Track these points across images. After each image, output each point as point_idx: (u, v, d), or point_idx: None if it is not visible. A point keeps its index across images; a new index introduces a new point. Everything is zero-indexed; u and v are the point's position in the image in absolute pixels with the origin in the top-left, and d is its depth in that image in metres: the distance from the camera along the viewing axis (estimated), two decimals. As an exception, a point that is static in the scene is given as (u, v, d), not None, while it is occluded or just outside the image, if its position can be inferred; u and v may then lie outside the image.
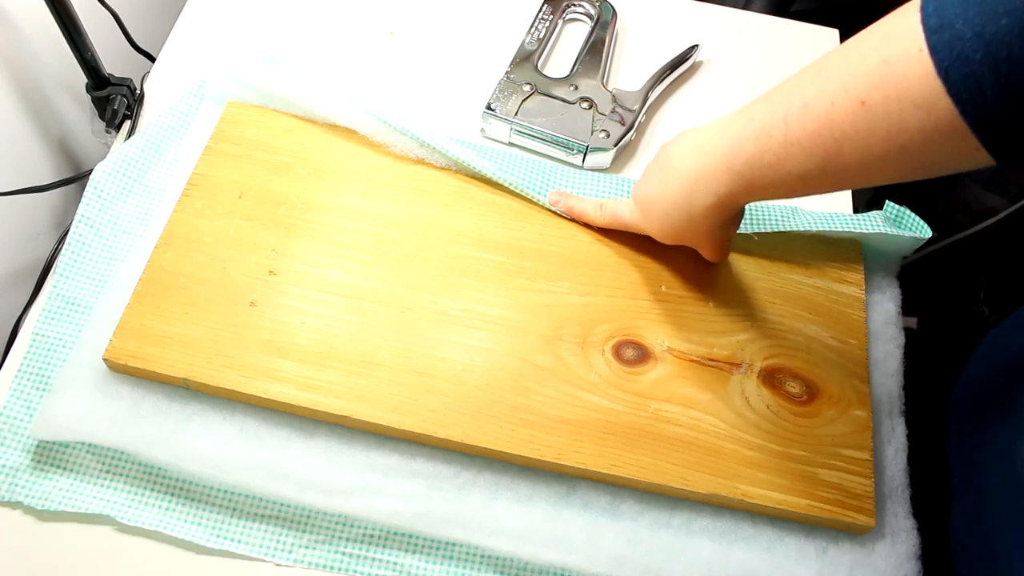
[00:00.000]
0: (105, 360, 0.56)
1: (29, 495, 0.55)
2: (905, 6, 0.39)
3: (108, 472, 0.56)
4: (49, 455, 0.56)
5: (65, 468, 0.56)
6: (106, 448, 0.56)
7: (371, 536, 0.55)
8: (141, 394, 0.57)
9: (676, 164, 0.54)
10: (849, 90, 0.41)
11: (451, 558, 0.55)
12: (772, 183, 0.48)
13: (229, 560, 0.54)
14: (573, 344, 0.59)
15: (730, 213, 0.53)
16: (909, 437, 0.60)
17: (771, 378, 0.59)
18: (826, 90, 0.43)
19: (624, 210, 0.62)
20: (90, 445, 0.56)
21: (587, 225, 0.65)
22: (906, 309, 0.66)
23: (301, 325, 0.58)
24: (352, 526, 0.55)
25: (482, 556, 0.55)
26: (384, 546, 0.55)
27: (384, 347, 0.58)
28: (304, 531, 0.55)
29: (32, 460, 0.56)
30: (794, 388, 0.59)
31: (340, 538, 0.55)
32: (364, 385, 0.57)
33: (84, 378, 0.57)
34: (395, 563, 0.55)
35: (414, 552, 0.55)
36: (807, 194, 0.48)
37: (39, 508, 0.55)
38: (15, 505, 0.55)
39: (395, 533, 0.55)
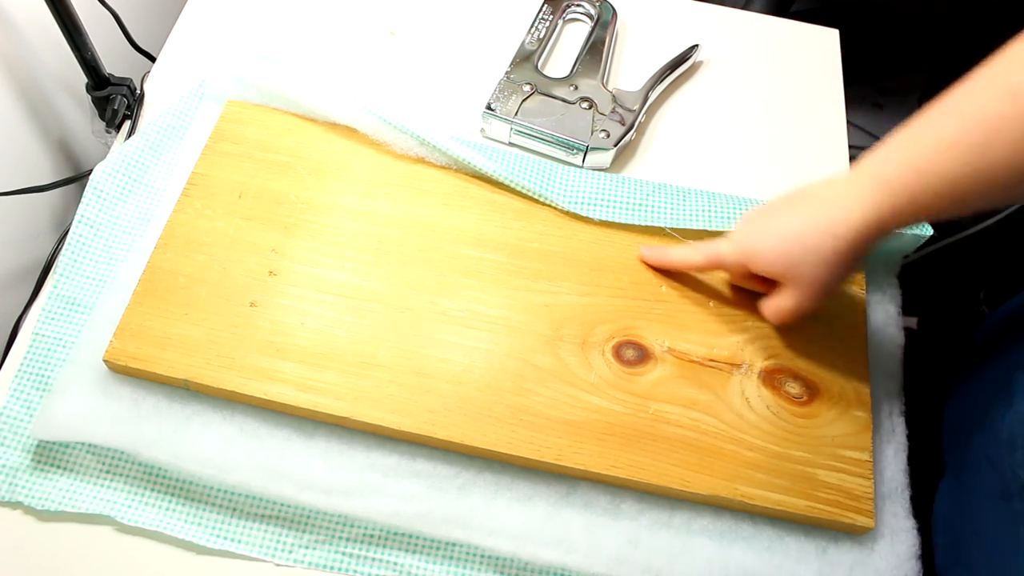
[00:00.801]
0: (105, 361, 0.56)
1: (29, 495, 0.55)
2: None
3: (108, 472, 0.56)
4: (49, 455, 0.56)
5: (65, 468, 0.56)
6: (106, 448, 0.56)
7: (371, 536, 0.55)
8: (141, 394, 0.57)
9: (815, 192, 0.52)
10: (997, 81, 0.43)
11: (451, 558, 0.55)
12: (922, 191, 0.47)
13: (229, 560, 0.55)
14: (573, 344, 0.59)
15: (871, 239, 0.50)
16: (909, 437, 0.60)
17: (771, 379, 0.59)
18: (974, 91, 0.45)
19: (722, 248, 0.58)
20: (90, 445, 0.56)
21: (588, 223, 0.65)
22: (906, 309, 0.66)
23: (301, 326, 0.58)
24: (352, 526, 0.56)
25: (482, 556, 0.55)
26: (384, 546, 0.55)
27: (384, 348, 0.58)
28: (304, 531, 0.55)
29: (32, 460, 0.56)
30: (794, 389, 0.59)
31: (340, 538, 0.55)
32: (364, 386, 0.57)
33: (84, 378, 0.57)
34: (395, 563, 0.55)
35: (414, 552, 0.55)
36: (956, 211, 0.48)
37: (39, 508, 0.55)
38: (15, 505, 0.55)
39: (395, 533, 0.56)
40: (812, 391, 0.59)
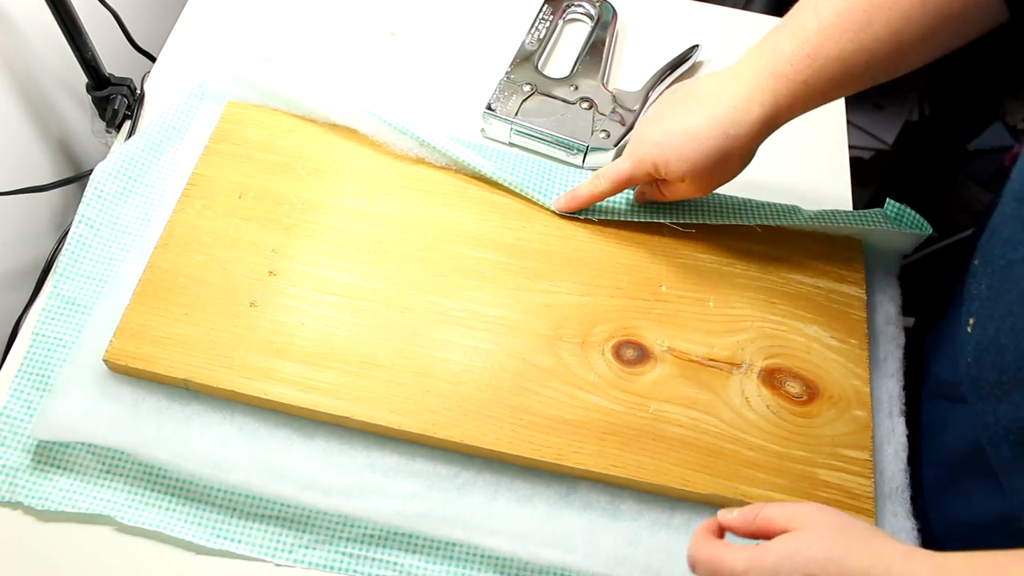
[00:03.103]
0: (105, 361, 0.56)
1: (29, 495, 0.55)
2: None
3: (108, 472, 0.56)
4: (49, 455, 0.56)
5: (65, 468, 0.56)
6: (106, 448, 0.56)
7: (371, 536, 0.55)
8: (141, 394, 0.57)
9: (709, 93, 0.54)
10: None
11: (451, 558, 0.55)
12: (814, 76, 0.51)
13: (229, 560, 0.55)
14: (573, 344, 0.59)
15: (774, 127, 0.54)
16: (909, 437, 0.60)
17: (771, 378, 0.59)
18: None
19: (624, 167, 0.60)
20: (90, 445, 0.56)
21: (587, 223, 0.65)
22: (906, 309, 0.66)
23: (301, 326, 0.59)
24: (352, 526, 0.56)
25: (482, 556, 0.55)
26: (384, 546, 0.55)
27: (384, 348, 0.58)
28: (304, 531, 0.55)
29: (32, 460, 0.56)
30: (794, 388, 0.59)
31: (340, 538, 0.55)
32: (364, 386, 0.57)
33: (84, 378, 0.57)
34: (395, 563, 0.55)
35: (414, 552, 0.55)
36: (844, 92, 0.52)
37: (39, 508, 0.55)
38: (15, 505, 0.55)
39: (395, 533, 0.55)
40: (812, 391, 0.59)
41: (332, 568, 0.55)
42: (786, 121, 0.55)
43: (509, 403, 0.57)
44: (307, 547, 0.55)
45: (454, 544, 0.55)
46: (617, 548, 0.54)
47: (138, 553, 0.54)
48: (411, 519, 0.54)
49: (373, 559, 0.55)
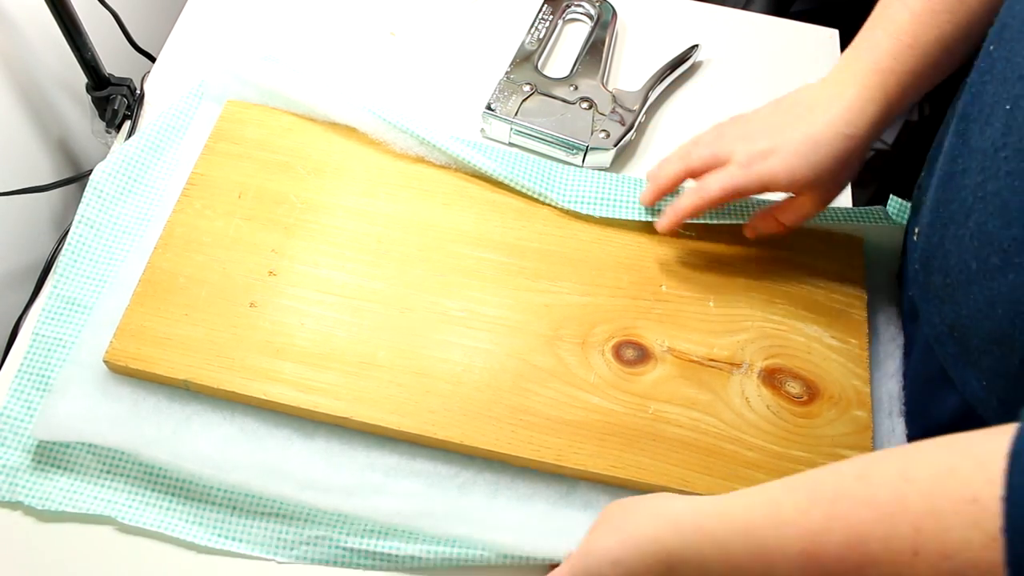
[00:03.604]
0: (105, 362, 0.56)
1: (30, 495, 0.55)
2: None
3: (108, 472, 0.56)
4: (49, 455, 0.56)
5: (65, 468, 0.56)
6: (106, 448, 0.56)
7: (372, 531, 0.55)
8: (141, 394, 0.57)
9: (819, 99, 0.55)
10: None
11: (453, 545, 0.55)
12: (919, 64, 0.53)
13: (230, 559, 0.54)
14: (573, 344, 0.59)
15: (889, 122, 0.54)
16: (909, 437, 0.60)
17: (771, 378, 0.59)
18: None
19: (737, 175, 0.56)
20: (90, 445, 0.56)
21: (588, 223, 0.65)
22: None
23: (301, 326, 0.58)
24: (353, 523, 0.55)
25: (483, 547, 0.55)
26: (385, 539, 0.55)
27: (384, 348, 0.58)
28: (305, 528, 0.55)
29: (32, 460, 0.56)
30: (794, 388, 0.59)
31: (341, 533, 0.55)
32: (364, 386, 0.57)
33: (84, 378, 0.57)
34: (397, 556, 0.54)
35: (415, 543, 0.55)
36: (951, 70, 0.54)
37: (40, 508, 0.55)
38: (15, 505, 0.55)
39: (395, 529, 0.55)
40: (812, 391, 0.59)
41: (334, 563, 0.55)
42: (899, 114, 0.55)
43: (509, 403, 0.57)
44: (308, 543, 0.55)
45: (455, 539, 0.55)
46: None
47: (139, 553, 0.54)
48: (412, 517, 0.54)
49: (374, 552, 0.55)
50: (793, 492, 0.39)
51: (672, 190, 0.61)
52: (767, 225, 0.62)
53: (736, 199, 0.59)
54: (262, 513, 0.55)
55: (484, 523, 0.54)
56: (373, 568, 0.55)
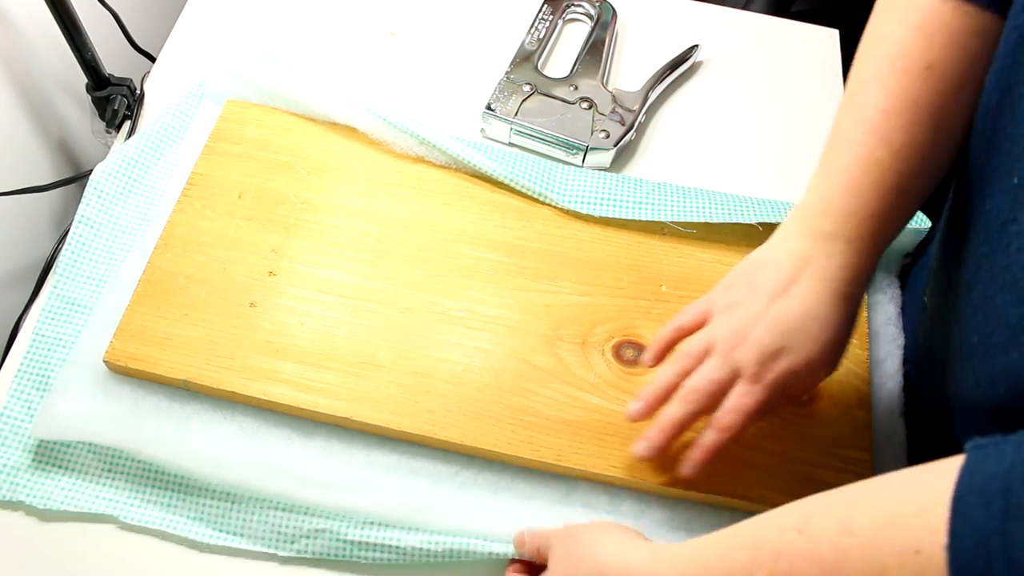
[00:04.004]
0: (106, 362, 0.56)
1: (30, 495, 0.55)
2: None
3: (109, 471, 0.56)
4: (50, 455, 0.56)
5: (66, 468, 0.56)
6: (107, 447, 0.56)
7: (372, 523, 0.55)
8: (141, 393, 0.57)
9: (801, 264, 0.47)
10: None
11: (455, 536, 0.54)
12: (863, 221, 0.46)
13: (231, 558, 0.54)
14: (573, 344, 0.59)
15: (863, 290, 0.49)
16: (909, 437, 0.60)
17: (771, 378, 0.59)
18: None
19: (757, 393, 0.48)
20: (91, 444, 0.56)
21: (587, 223, 0.65)
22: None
23: (301, 326, 0.59)
24: (353, 516, 0.55)
25: (485, 539, 0.54)
26: (386, 531, 0.54)
27: (384, 348, 0.58)
28: (305, 521, 0.55)
29: (33, 460, 0.56)
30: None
31: (342, 526, 0.55)
32: (364, 386, 0.57)
33: (84, 378, 0.57)
34: (398, 548, 0.54)
35: (416, 533, 0.54)
36: (903, 219, 0.48)
37: (40, 508, 0.55)
38: (16, 505, 0.55)
39: (397, 523, 0.55)
40: (812, 391, 0.59)
41: (335, 556, 0.54)
42: (874, 268, 0.49)
43: (509, 404, 0.57)
44: (308, 536, 0.55)
45: (456, 531, 0.55)
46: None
47: (140, 552, 0.54)
48: (413, 512, 0.54)
49: (376, 544, 0.54)
50: (738, 551, 0.39)
51: (666, 399, 0.51)
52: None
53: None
54: (262, 508, 0.55)
55: (484, 519, 0.54)
56: (374, 562, 0.54)
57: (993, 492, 0.28)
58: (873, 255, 0.48)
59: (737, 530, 0.40)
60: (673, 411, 0.49)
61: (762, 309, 0.48)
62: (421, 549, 0.54)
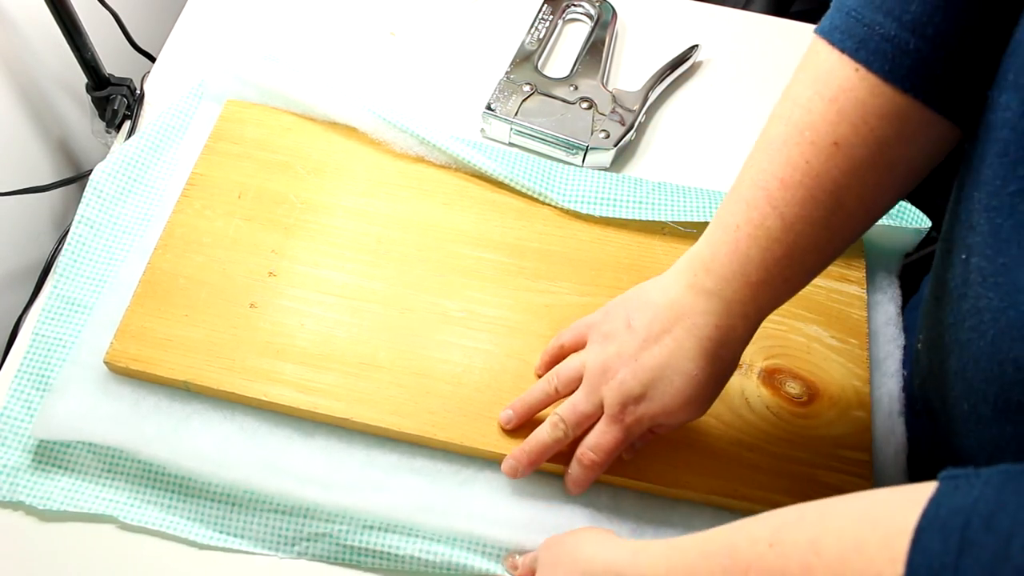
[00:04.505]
0: (106, 363, 0.56)
1: (30, 495, 0.55)
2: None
3: (109, 471, 0.56)
4: (50, 455, 0.56)
5: (66, 468, 0.56)
6: (107, 447, 0.56)
7: (372, 528, 0.55)
8: (141, 394, 0.57)
9: (675, 316, 0.48)
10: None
11: (454, 546, 0.55)
12: (792, 272, 0.46)
13: (232, 557, 0.54)
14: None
15: (757, 328, 0.49)
16: (909, 438, 0.60)
17: (771, 379, 0.59)
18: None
19: (619, 435, 0.51)
20: (91, 444, 0.56)
21: (587, 223, 0.65)
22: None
23: (301, 327, 0.59)
24: (354, 520, 0.55)
25: (484, 544, 0.55)
26: (387, 535, 0.55)
27: (384, 349, 0.58)
28: (306, 525, 0.55)
29: (33, 460, 0.56)
30: (794, 389, 0.59)
31: (343, 529, 0.55)
32: (364, 387, 0.57)
33: (84, 378, 0.57)
34: (398, 554, 0.54)
35: (417, 539, 0.55)
36: (828, 264, 0.48)
37: (40, 508, 0.55)
38: (16, 505, 0.55)
39: (396, 526, 0.55)
40: (812, 391, 0.59)
41: (335, 560, 0.54)
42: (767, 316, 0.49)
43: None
44: (309, 540, 0.55)
45: (456, 535, 0.55)
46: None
47: (140, 552, 0.54)
48: (413, 512, 0.54)
49: (375, 551, 0.54)
50: (710, 558, 0.39)
51: (534, 413, 0.55)
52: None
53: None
54: (263, 510, 0.55)
55: (485, 518, 0.54)
56: (373, 568, 0.55)
57: (952, 527, 0.28)
58: (751, 320, 0.48)
59: (713, 535, 0.40)
60: (542, 435, 0.53)
61: (632, 352, 0.49)
62: (419, 559, 0.54)
